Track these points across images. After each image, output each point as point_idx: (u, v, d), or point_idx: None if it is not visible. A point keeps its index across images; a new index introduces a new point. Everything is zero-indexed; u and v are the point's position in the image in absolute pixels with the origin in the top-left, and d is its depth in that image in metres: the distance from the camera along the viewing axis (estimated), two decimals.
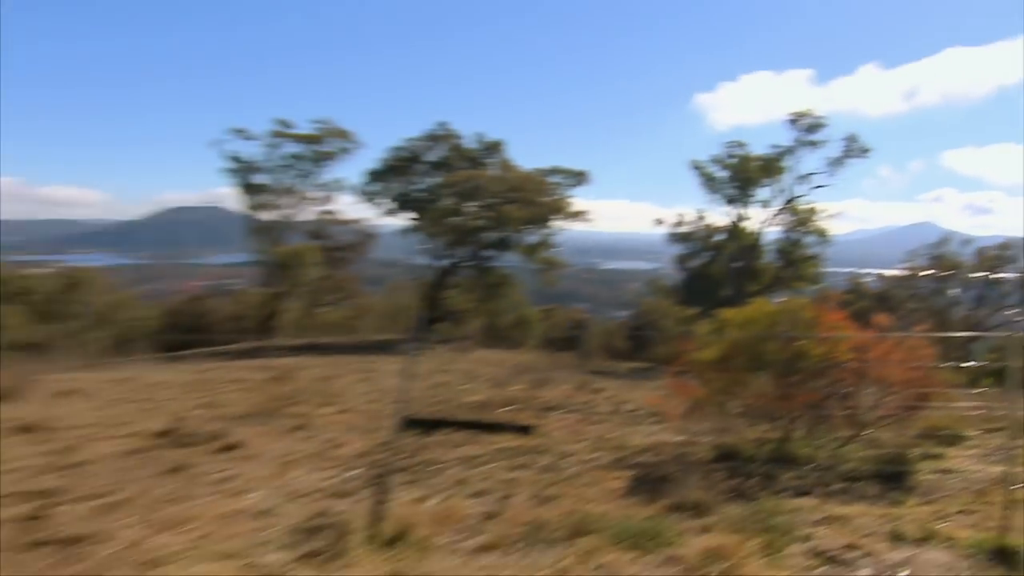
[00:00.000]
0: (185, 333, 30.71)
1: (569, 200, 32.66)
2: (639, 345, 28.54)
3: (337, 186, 36.29)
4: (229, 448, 7.99)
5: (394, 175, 33.95)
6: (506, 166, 33.67)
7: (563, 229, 33.07)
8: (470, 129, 44.41)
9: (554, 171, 33.49)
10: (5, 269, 30.65)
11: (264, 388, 12.56)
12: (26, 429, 8.29)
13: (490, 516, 5.94)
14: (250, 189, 35.10)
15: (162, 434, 8.41)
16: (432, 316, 31.53)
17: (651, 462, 8.02)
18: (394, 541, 4.95)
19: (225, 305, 39.04)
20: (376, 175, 34.16)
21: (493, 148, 34.32)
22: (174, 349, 26.91)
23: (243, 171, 34.79)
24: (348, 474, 7.32)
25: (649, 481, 7.06)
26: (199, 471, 7.07)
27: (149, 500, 6.03)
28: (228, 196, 37.97)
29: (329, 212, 36.93)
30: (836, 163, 34.13)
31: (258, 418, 9.91)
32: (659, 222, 38.08)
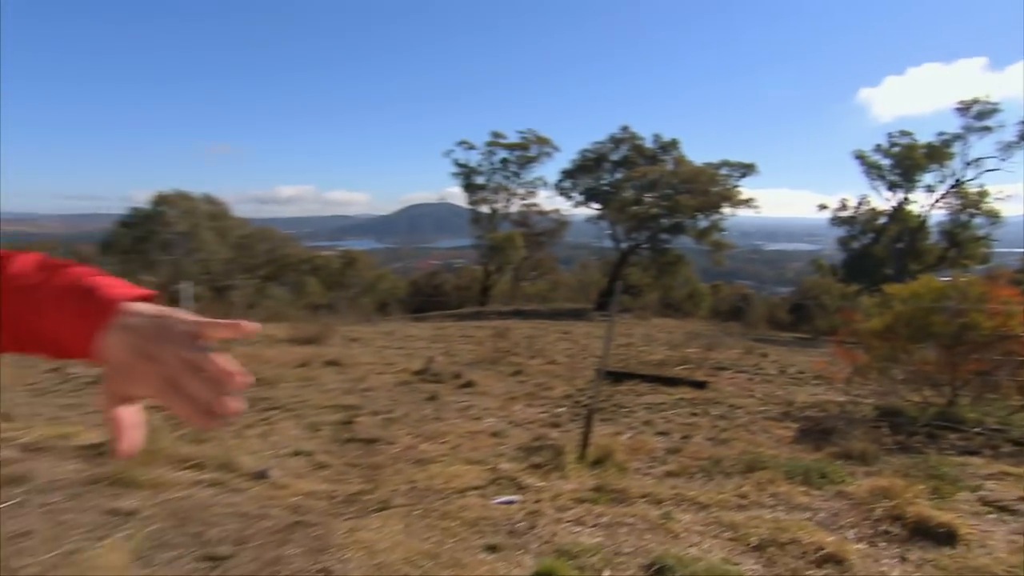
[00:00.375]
0: (425, 299, 33.03)
1: (737, 189, 31.12)
2: (800, 318, 26.54)
3: (538, 183, 37.09)
4: (466, 385, 8.61)
5: (583, 173, 34.03)
6: (680, 161, 32.58)
7: (731, 215, 31.58)
8: (651, 129, 43.46)
9: (724, 164, 31.93)
10: (305, 253, 34.52)
11: (487, 342, 13.28)
12: (332, 363, 9.46)
13: (673, 450, 6.02)
14: (471, 188, 36.91)
15: (419, 372, 9.23)
16: (615, 290, 31.37)
17: (816, 417, 7.57)
18: (597, 463, 5.21)
19: (452, 279, 41.19)
20: (569, 173, 34.44)
21: (669, 146, 33.32)
22: (417, 311, 29.09)
23: (466, 174, 36.67)
24: (557, 410, 7.65)
25: (815, 432, 6.72)
26: (447, 400, 7.72)
27: (415, 418, 6.73)
28: (455, 194, 40.24)
29: (531, 204, 37.77)
30: (1011, 147, 28.97)
31: (484, 364, 10.56)
32: (822, 207, 35.04)
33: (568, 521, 3.74)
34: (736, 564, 3.13)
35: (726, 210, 31.01)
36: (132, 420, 0.58)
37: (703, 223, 31.42)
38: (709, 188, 30.24)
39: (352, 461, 5.08)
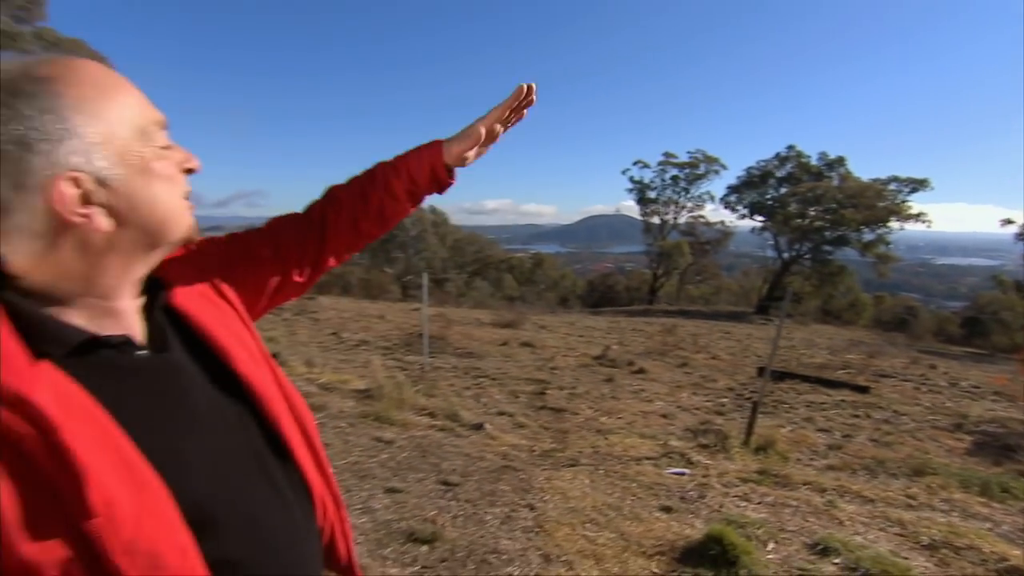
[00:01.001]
0: (599, 297, 33.11)
1: (906, 204, 27.07)
2: (974, 332, 22.21)
3: (705, 197, 35.61)
4: (639, 372, 8.53)
5: (749, 188, 31.91)
6: (846, 177, 29.18)
7: (898, 229, 27.55)
8: (819, 147, 39.47)
9: (893, 179, 28.01)
10: (503, 254, 36.39)
11: (655, 336, 12.99)
12: (526, 344, 9.90)
13: (834, 447, 5.50)
14: (644, 201, 36.28)
15: (597, 357, 9.32)
16: (775, 296, 29.00)
17: (995, 432, 6.36)
18: (760, 450, 4.92)
19: (624, 280, 40.71)
20: (734, 188, 32.56)
21: (835, 163, 30.05)
22: (593, 307, 29.22)
23: (640, 189, 36.12)
24: (720, 400, 7.32)
25: (993, 447, 5.68)
26: (621, 383, 7.73)
27: (595, 395, 6.83)
28: (629, 206, 39.86)
29: (698, 216, 36.31)
30: None
31: (654, 355, 10.36)
32: (1007, 221, 29.09)
33: (734, 496, 3.61)
34: (905, 559, 2.81)
35: (893, 224, 27.20)
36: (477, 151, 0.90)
37: (868, 236, 27.84)
38: (876, 203, 26.72)
39: (544, 424, 5.32)
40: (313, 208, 0.85)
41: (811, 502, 3.55)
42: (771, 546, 2.95)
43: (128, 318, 0.58)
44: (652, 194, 36.02)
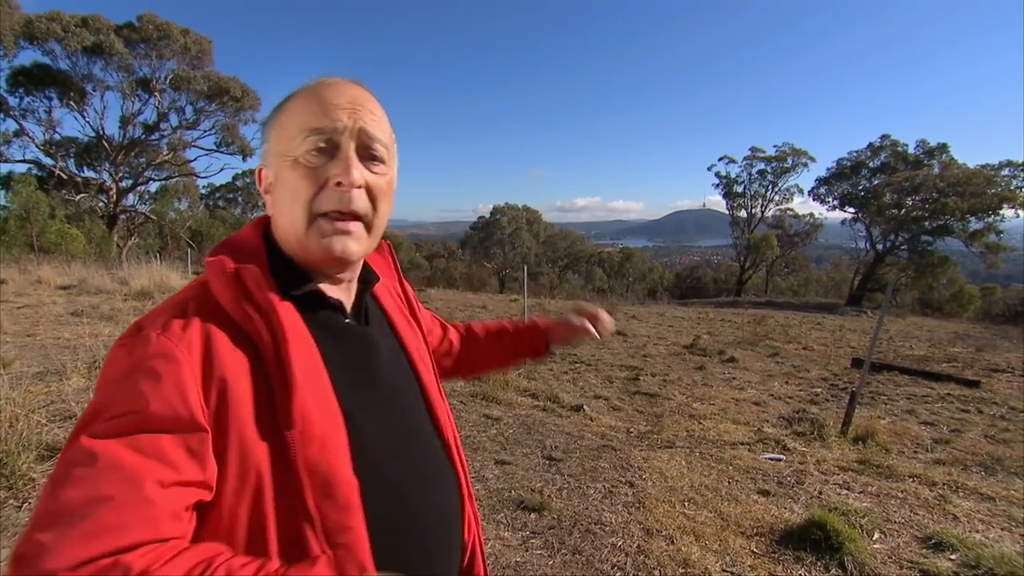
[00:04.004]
0: (687, 288, 31.71)
1: (1021, 191, 23.37)
2: None
3: (793, 190, 33.01)
4: (729, 361, 8.07)
5: (840, 179, 29.14)
6: (949, 165, 25.73)
7: (1015, 216, 23.84)
8: (916, 136, 35.19)
9: (1007, 164, 24.31)
10: (593, 249, 35.90)
11: (745, 327, 12.25)
12: (618, 333, 9.68)
13: (942, 441, 4.89)
14: (730, 195, 34.31)
15: (688, 346, 8.93)
16: (868, 287, 26.29)
17: None
18: (858, 440, 4.50)
19: (711, 272, 38.80)
20: (824, 180, 29.89)
21: (936, 151, 26.63)
22: (681, 298, 28.10)
23: (727, 184, 34.15)
24: (813, 390, 6.76)
25: None
26: (712, 371, 7.34)
27: (687, 382, 6.54)
28: (715, 201, 37.87)
29: (787, 209, 33.83)
30: None
31: (743, 345, 9.76)
32: None
33: (834, 484, 3.35)
34: None
35: (1007, 212, 23.57)
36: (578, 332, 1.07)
37: (975, 225, 24.38)
38: (985, 190, 23.31)
39: (639, 408, 5.19)
40: (458, 338, 1.05)
41: (920, 495, 3.21)
42: (876, 536, 2.71)
43: (345, 294, 0.68)
44: (739, 188, 34.03)
